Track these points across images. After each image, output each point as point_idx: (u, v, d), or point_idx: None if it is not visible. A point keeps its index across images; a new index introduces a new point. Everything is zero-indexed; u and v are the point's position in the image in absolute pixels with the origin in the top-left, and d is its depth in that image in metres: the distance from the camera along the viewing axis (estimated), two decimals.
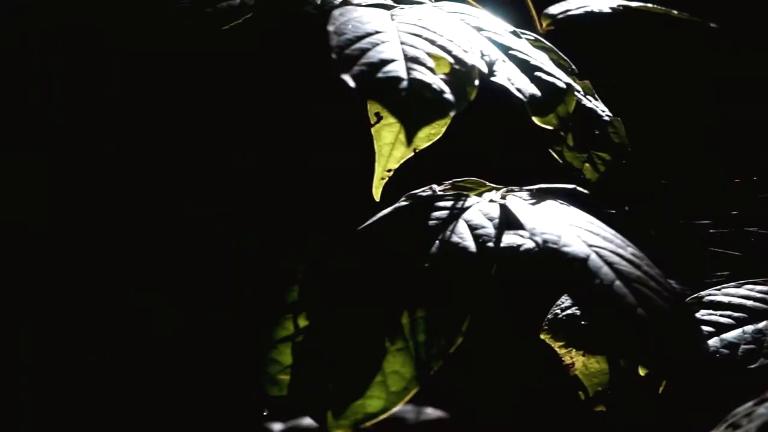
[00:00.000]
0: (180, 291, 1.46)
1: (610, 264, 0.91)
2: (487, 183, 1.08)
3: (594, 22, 1.22)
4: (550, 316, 1.13)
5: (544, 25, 1.25)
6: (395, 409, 1.56)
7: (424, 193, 1.08)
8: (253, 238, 1.42)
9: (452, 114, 0.87)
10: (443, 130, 1.13)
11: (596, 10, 1.22)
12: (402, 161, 1.12)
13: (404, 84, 0.86)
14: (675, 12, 1.24)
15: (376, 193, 1.12)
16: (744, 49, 1.50)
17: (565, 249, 0.91)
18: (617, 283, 0.89)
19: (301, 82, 1.33)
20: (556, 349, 1.11)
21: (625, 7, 1.22)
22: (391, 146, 1.12)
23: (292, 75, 1.31)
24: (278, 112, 1.40)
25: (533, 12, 1.25)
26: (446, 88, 0.88)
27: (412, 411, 1.53)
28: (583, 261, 0.90)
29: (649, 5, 1.24)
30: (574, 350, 1.10)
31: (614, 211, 1.13)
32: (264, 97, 1.39)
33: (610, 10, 1.22)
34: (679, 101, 1.36)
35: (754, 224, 1.19)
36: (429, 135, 1.13)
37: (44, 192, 1.65)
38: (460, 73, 0.90)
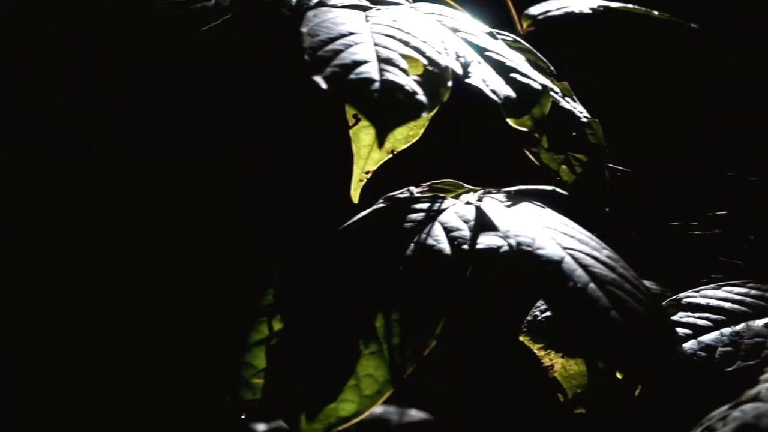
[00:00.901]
0: (156, 294, 1.46)
1: (584, 266, 0.90)
2: (465, 185, 1.08)
3: (575, 23, 1.21)
4: (529, 318, 1.12)
5: (524, 25, 1.25)
6: (378, 411, 1.56)
7: (401, 195, 1.08)
8: (229, 240, 1.41)
9: (425, 115, 0.87)
10: (421, 131, 1.13)
11: (576, 10, 1.22)
12: (380, 163, 1.12)
13: (376, 85, 0.86)
14: (656, 12, 1.23)
15: (354, 195, 1.11)
16: (725, 49, 1.50)
17: (539, 251, 0.90)
18: (591, 285, 0.89)
19: (279, 84, 1.33)
20: (536, 352, 1.10)
21: (606, 7, 1.22)
22: (369, 148, 1.12)
23: (270, 77, 1.30)
24: (257, 114, 1.40)
25: (513, 13, 1.24)
26: (419, 90, 0.87)
27: (395, 413, 1.53)
28: (557, 263, 0.90)
29: (630, 6, 1.24)
30: (553, 352, 1.10)
31: (596, 213, 1.12)
32: (243, 99, 1.38)
33: (590, 11, 1.21)
34: (661, 101, 1.35)
35: (736, 225, 1.19)
36: (407, 137, 1.13)
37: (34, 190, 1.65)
38: (433, 75, 0.90)
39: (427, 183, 1.09)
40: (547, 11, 1.23)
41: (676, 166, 1.18)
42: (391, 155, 1.12)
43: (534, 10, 1.26)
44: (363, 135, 1.11)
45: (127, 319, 1.50)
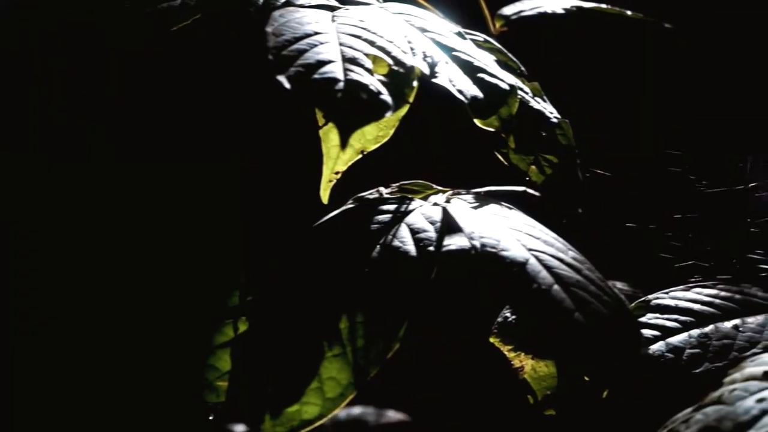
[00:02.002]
0: (123, 296, 1.45)
1: (549, 268, 0.90)
2: (434, 185, 1.07)
3: (549, 23, 1.21)
4: (499, 319, 1.12)
5: (497, 25, 1.24)
6: (356, 412, 1.55)
7: (370, 196, 1.07)
8: (196, 241, 1.41)
9: (389, 115, 0.86)
10: (391, 132, 1.12)
11: (549, 11, 1.21)
12: (350, 163, 1.12)
13: (340, 85, 0.86)
14: (629, 13, 1.23)
15: (324, 196, 1.10)
16: (699, 49, 1.50)
17: (504, 253, 0.90)
18: (556, 287, 0.88)
19: (248, 84, 1.32)
20: (506, 353, 1.10)
21: (579, 8, 1.22)
22: (338, 148, 1.11)
23: (239, 77, 1.30)
24: (225, 114, 1.39)
25: (486, 13, 1.24)
26: (383, 90, 0.87)
27: (373, 413, 1.52)
28: (522, 265, 0.89)
29: (603, 6, 1.23)
30: (523, 354, 1.10)
31: (566, 214, 1.12)
32: (209, 100, 1.38)
33: (563, 11, 1.21)
34: (635, 101, 1.35)
35: (710, 226, 1.19)
36: (377, 137, 1.12)
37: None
38: (398, 75, 0.89)
39: (397, 184, 1.09)
40: (520, 11, 1.23)
41: (649, 166, 1.18)
42: (361, 155, 1.11)
43: (507, 10, 1.25)
44: (333, 135, 1.10)
45: (96, 319, 1.49)
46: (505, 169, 1.11)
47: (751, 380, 0.86)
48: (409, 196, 1.04)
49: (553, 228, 1.02)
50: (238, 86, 1.31)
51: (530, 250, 0.91)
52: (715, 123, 1.34)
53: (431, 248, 0.93)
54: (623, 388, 0.91)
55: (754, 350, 0.99)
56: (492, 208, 0.99)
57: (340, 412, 1.56)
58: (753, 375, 0.87)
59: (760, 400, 0.83)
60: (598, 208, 1.19)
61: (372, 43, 0.92)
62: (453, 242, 0.96)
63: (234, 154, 1.42)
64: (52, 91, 1.60)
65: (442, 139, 1.28)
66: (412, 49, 0.95)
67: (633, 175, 1.20)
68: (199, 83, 1.35)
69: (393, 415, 1.52)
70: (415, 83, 0.89)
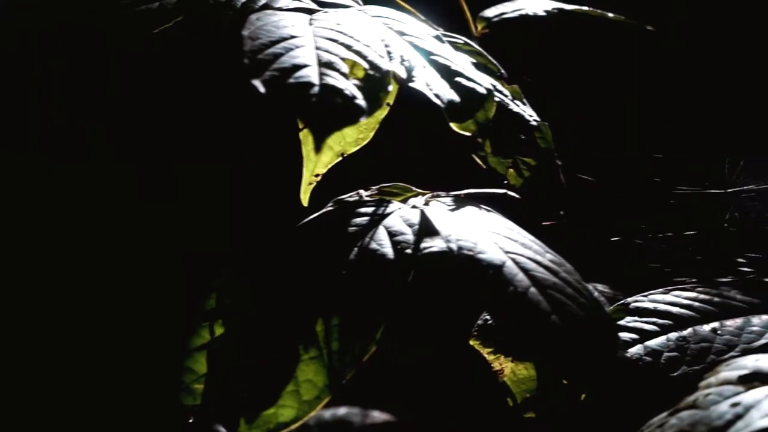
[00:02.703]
0: (98, 299, 1.45)
1: (525, 271, 0.90)
2: (413, 188, 1.07)
3: (530, 25, 1.21)
4: (479, 322, 1.12)
5: (479, 28, 1.24)
6: (341, 413, 1.55)
7: (350, 199, 1.07)
8: (174, 244, 1.41)
9: (363, 120, 0.86)
10: (371, 134, 1.12)
11: (531, 13, 1.21)
12: (330, 166, 1.12)
13: (315, 89, 0.85)
14: (611, 15, 1.23)
15: (304, 198, 1.10)
16: (683, 51, 1.50)
17: (481, 256, 0.90)
18: (532, 290, 0.89)
19: (229, 86, 1.32)
20: (485, 356, 1.10)
21: (560, 10, 1.22)
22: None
23: (223, 80, 1.30)
24: (209, 116, 1.39)
25: (468, 15, 1.24)
26: (358, 94, 0.87)
27: (358, 414, 1.52)
28: (498, 268, 0.90)
29: (584, 8, 1.23)
30: (502, 357, 1.10)
31: (546, 216, 1.12)
32: (191, 101, 1.38)
33: (545, 13, 1.21)
34: (618, 103, 1.35)
35: (691, 228, 1.19)
36: (357, 140, 1.12)
37: None
38: (374, 79, 0.89)
39: (377, 186, 1.09)
40: (502, 13, 1.23)
41: (630, 169, 1.18)
42: (341, 158, 1.11)
43: (489, 12, 1.25)
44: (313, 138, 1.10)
45: (73, 320, 1.49)
46: (488, 171, 1.11)
47: (726, 385, 0.86)
48: (388, 198, 1.04)
49: (533, 230, 1.02)
50: (220, 89, 1.31)
51: (507, 252, 0.92)
52: (697, 126, 1.34)
53: (409, 251, 0.93)
54: (600, 390, 0.91)
55: (732, 353, 0.99)
56: (470, 210, 0.99)
57: (326, 413, 1.56)
58: (728, 379, 0.87)
59: (734, 405, 0.83)
60: (581, 210, 1.19)
61: (348, 47, 0.92)
62: (430, 245, 0.96)
63: (215, 156, 1.42)
64: (51, 91, 1.60)
65: (426, 141, 1.28)
66: (389, 53, 0.95)
67: (616, 177, 1.20)
68: (180, 86, 1.35)
69: (378, 415, 1.52)
70: (390, 87, 0.89)
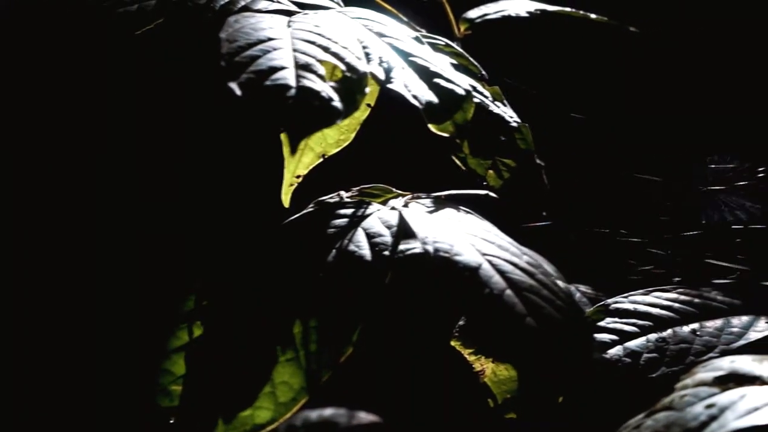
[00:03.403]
0: (77, 298, 1.45)
1: (502, 273, 0.90)
2: (394, 189, 1.07)
3: (513, 26, 1.21)
4: (461, 323, 1.12)
5: (462, 29, 1.24)
6: (327, 414, 1.55)
7: (331, 200, 1.07)
8: (153, 245, 1.41)
9: (339, 122, 0.86)
10: (352, 135, 1.13)
11: (513, 14, 1.21)
12: (311, 167, 1.12)
13: (292, 92, 0.86)
14: (593, 16, 1.23)
15: (285, 199, 1.11)
16: (667, 53, 1.50)
17: (457, 258, 0.90)
18: (508, 292, 0.89)
19: (214, 88, 1.32)
20: (466, 357, 1.10)
21: (543, 11, 1.22)
22: (300, 152, 1.11)
23: (205, 80, 1.30)
24: (190, 116, 1.39)
25: (451, 16, 1.24)
26: (335, 96, 0.87)
27: (344, 415, 1.53)
28: (475, 270, 0.90)
29: (567, 9, 1.23)
30: (483, 357, 1.10)
31: (527, 217, 1.12)
32: (178, 101, 1.38)
33: (527, 15, 1.21)
34: (599, 105, 1.35)
35: (672, 229, 1.19)
36: (338, 141, 1.13)
37: None
38: (351, 81, 0.89)
39: (358, 187, 1.09)
40: (485, 14, 1.23)
41: (611, 169, 1.18)
42: (322, 159, 1.11)
43: (471, 13, 1.25)
44: None
45: (49, 322, 1.48)
46: (469, 173, 1.11)
47: (702, 386, 0.87)
48: (369, 200, 1.04)
49: (514, 232, 1.02)
50: (204, 90, 1.31)
51: (484, 254, 0.92)
52: (677, 126, 1.34)
53: (386, 253, 0.93)
54: (576, 392, 0.91)
55: (711, 354, 1.00)
56: (448, 212, 0.99)
57: (312, 414, 1.56)
58: (703, 381, 0.87)
59: (709, 406, 0.83)
60: (564, 210, 1.19)
61: (326, 49, 0.92)
62: (408, 247, 0.96)
63: (195, 157, 1.42)
64: (35, 91, 1.59)
65: (411, 142, 1.28)
66: (368, 54, 0.95)
67: (597, 177, 1.20)
68: (163, 87, 1.35)
69: (364, 416, 1.53)
70: (368, 89, 0.89)
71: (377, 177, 1.16)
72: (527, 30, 1.22)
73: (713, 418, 0.82)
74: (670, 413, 0.85)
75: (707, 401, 0.84)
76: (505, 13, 1.22)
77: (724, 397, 0.84)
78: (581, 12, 1.24)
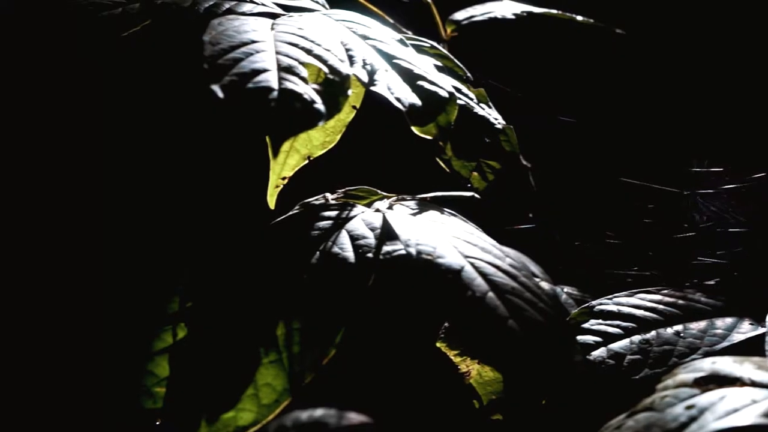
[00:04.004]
0: (61, 299, 1.44)
1: (484, 275, 0.90)
2: (379, 191, 1.08)
3: (500, 28, 1.21)
4: (447, 324, 1.12)
5: (448, 31, 1.24)
6: (317, 414, 1.55)
7: (317, 202, 1.08)
8: (138, 247, 1.41)
9: (321, 124, 0.86)
10: (338, 137, 1.13)
11: (500, 16, 1.22)
12: (296, 169, 1.12)
13: (274, 94, 0.86)
14: (579, 18, 1.23)
15: (271, 201, 1.11)
16: (650, 54, 1.50)
17: (440, 260, 0.91)
18: (490, 294, 0.89)
19: (199, 90, 1.32)
20: (452, 358, 1.11)
21: (529, 13, 1.22)
22: (285, 154, 1.12)
23: (191, 82, 1.30)
24: (177, 118, 1.39)
25: (437, 18, 1.24)
26: (317, 99, 0.87)
27: (334, 415, 1.53)
28: (457, 272, 0.90)
29: (553, 11, 1.24)
30: (469, 359, 1.10)
31: (512, 218, 1.12)
32: (163, 103, 1.38)
33: (513, 17, 1.21)
34: (586, 107, 1.35)
35: (660, 231, 1.19)
36: (324, 143, 1.13)
37: None
38: (333, 83, 0.90)
39: (343, 189, 1.09)
40: (471, 17, 1.23)
41: (598, 171, 1.18)
42: (307, 161, 1.12)
43: (458, 15, 1.26)
44: None
45: (31, 323, 1.47)
46: (456, 174, 1.11)
47: (682, 387, 0.87)
48: (354, 202, 1.04)
49: (500, 233, 1.02)
50: (189, 92, 1.31)
51: (467, 257, 0.92)
52: (662, 128, 1.34)
53: (370, 255, 0.93)
54: (559, 394, 0.91)
55: (694, 356, 1.00)
56: (431, 214, 0.99)
57: (302, 414, 1.56)
58: (684, 382, 0.87)
59: (689, 407, 0.83)
60: (550, 212, 1.19)
61: (309, 52, 0.92)
62: (392, 249, 0.97)
63: (181, 158, 1.42)
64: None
65: (399, 143, 1.28)
66: (351, 57, 0.95)
67: (584, 179, 1.20)
68: (148, 88, 1.36)
69: (355, 417, 1.52)
70: (350, 92, 0.90)
71: (365, 179, 1.16)
72: (514, 31, 1.22)
73: (693, 419, 0.82)
74: (650, 414, 0.85)
75: (687, 402, 0.84)
76: (492, 15, 1.22)
77: (704, 399, 0.84)
78: (567, 14, 1.24)
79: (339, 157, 1.17)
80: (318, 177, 1.15)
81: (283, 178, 1.11)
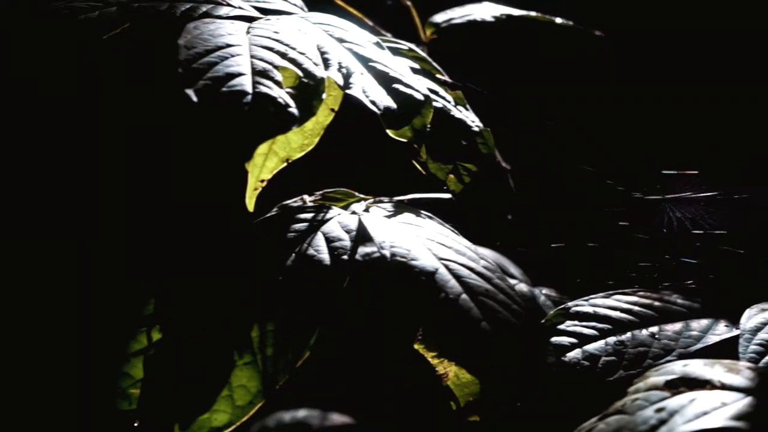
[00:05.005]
0: (37, 302, 1.44)
1: (458, 277, 0.91)
2: (356, 193, 1.08)
3: (479, 30, 1.21)
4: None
5: (428, 33, 1.25)
6: (300, 415, 1.56)
7: (295, 204, 1.08)
8: (114, 249, 1.41)
9: (295, 128, 0.87)
10: (316, 140, 1.13)
11: (479, 18, 1.22)
12: (275, 171, 1.12)
13: (248, 98, 0.86)
14: (558, 20, 1.24)
15: (249, 204, 1.11)
16: (631, 56, 1.51)
17: (414, 262, 0.91)
18: (464, 296, 0.90)
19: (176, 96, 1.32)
20: (429, 360, 1.11)
21: (509, 15, 1.22)
22: (264, 156, 1.12)
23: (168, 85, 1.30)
24: (155, 120, 1.40)
25: (417, 21, 1.25)
26: (291, 102, 0.88)
27: (317, 416, 1.53)
28: (431, 274, 0.91)
29: (532, 14, 1.24)
30: (446, 360, 1.10)
31: (491, 221, 1.13)
32: (141, 105, 1.38)
33: (493, 19, 1.22)
34: (565, 108, 1.36)
35: (640, 233, 1.19)
36: (302, 145, 1.13)
37: None
38: (307, 87, 0.90)
39: (321, 191, 1.10)
40: (450, 19, 1.24)
41: (577, 173, 1.19)
42: (286, 164, 1.12)
43: (437, 17, 1.26)
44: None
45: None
46: (433, 177, 1.11)
47: (653, 390, 0.87)
48: (330, 204, 1.05)
49: (478, 235, 1.03)
50: (167, 94, 1.31)
51: (441, 259, 0.92)
52: (639, 132, 1.35)
53: (345, 257, 0.94)
54: (532, 395, 0.92)
55: (669, 357, 1.00)
56: (407, 216, 1.00)
57: (285, 415, 1.57)
58: (655, 384, 0.88)
59: (659, 410, 0.84)
60: (530, 213, 1.19)
61: (284, 56, 0.92)
62: (367, 251, 0.97)
63: (159, 160, 1.42)
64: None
65: (380, 145, 1.29)
66: (327, 60, 0.96)
67: (562, 181, 1.21)
68: (129, 89, 1.36)
69: (337, 418, 1.53)
70: (324, 95, 0.90)
71: (346, 180, 1.16)
72: (494, 34, 1.22)
73: (663, 422, 0.83)
74: (621, 417, 0.85)
75: (658, 405, 0.85)
76: (471, 18, 1.23)
77: (674, 402, 0.84)
78: (547, 16, 1.24)
79: (320, 159, 1.17)
80: (299, 179, 1.16)
81: (262, 181, 1.11)
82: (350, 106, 1.05)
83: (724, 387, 0.86)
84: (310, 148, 1.13)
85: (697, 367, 0.89)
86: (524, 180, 1.18)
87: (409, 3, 1.24)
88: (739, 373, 0.88)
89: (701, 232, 1.11)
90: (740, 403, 0.84)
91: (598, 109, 1.44)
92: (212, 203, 1.39)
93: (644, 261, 1.12)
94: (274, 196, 1.15)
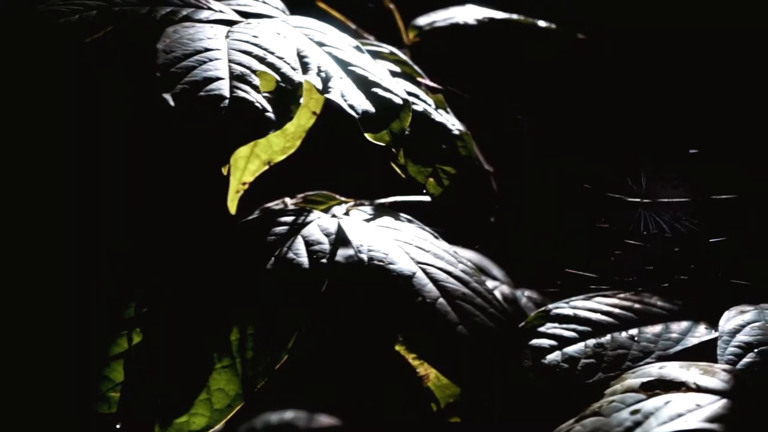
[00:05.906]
0: (15, 305, 1.44)
1: (435, 281, 0.91)
2: (337, 196, 1.09)
3: (462, 33, 1.22)
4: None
5: (410, 36, 1.25)
6: (288, 416, 1.56)
7: (276, 207, 1.08)
8: (95, 253, 1.41)
9: (272, 132, 0.87)
10: (298, 143, 1.14)
11: (462, 21, 1.22)
12: (257, 174, 1.13)
13: (225, 103, 0.87)
14: (541, 23, 1.24)
15: (232, 206, 1.12)
16: (615, 58, 1.51)
17: (391, 266, 0.92)
18: (441, 300, 0.90)
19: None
20: (410, 361, 1.11)
21: (491, 18, 1.23)
22: (246, 159, 1.13)
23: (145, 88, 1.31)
24: (136, 123, 1.40)
25: (400, 24, 1.25)
26: (269, 107, 0.88)
27: (304, 417, 1.54)
28: (408, 278, 0.91)
29: (515, 17, 1.24)
30: (426, 362, 1.11)
31: (471, 224, 1.13)
32: (124, 108, 1.39)
33: (475, 22, 1.22)
34: (549, 112, 1.36)
35: (623, 236, 1.20)
36: (284, 148, 1.14)
37: None
38: (285, 91, 0.90)
39: (302, 194, 1.10)
40: (433, 22, 1.24)
41: (561, 175, 1.19)
42: (267, 167, 1.13)
43: (420, 20, 1.26)
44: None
45: None
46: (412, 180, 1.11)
47: (630, 392, 0.88)
48: (311, 207, 1.05)
49: (460, 238, 1.03)
50: (149, 98, 1.31)
51: (419, 263, 0.93)
52: (622, 133, 1.35)
53: (324, 260, 0.94)
54: (509, 397, 0.92)
55: (648, 360, 1.00)
56: (386, 220, 1.00)
57: (272, 416, 1.57)
58: (631, 387, 0.88)
59: (634, 412, 0.84)
60: (512, 215, 1.20)
61: (262, 60, 0.93)
62: (345, 255, 0.97)
63: (142, 163, 1.43)
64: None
65: (365, 148, 1.29)
66: (306, 64, 0.96)
67: (544, 183, 1.21)
68: (112, 93, 1.36)
69: (324, 419, 1.54)
70: (301, 100, 0.90)
71: (330, 183, 1.17)
72: (477, 37, 1.23)
73: (638, 423, 0.83)
74: (597, 419, 0.86)
75: (633, 407, 0.85)
76: (454, 21, 1.23)
77: (649, 404, 0.85)
78: (530, 19, 1.25)
79: (303, 162, 1.18)
80: (282, 181, 1.16)
81: (244, 183, 1.12)
82: (332, 109, 1.05)
83: (699, 389, 0.86)
84: (292, 150, 1.14)
85: (673, 370, 0.90)
86: (507, 182, 1.18)
87: (392, 6, 1.25)
88: (715, 376, 0.88)
89: (680, 233, 1.11)
90: (715, 405, 0.84)
91: (581, 112, 1.44)
92: (194, 205, 1.39)
93: (624, 262, 1.12)
94: (256, 197, 1.16)
